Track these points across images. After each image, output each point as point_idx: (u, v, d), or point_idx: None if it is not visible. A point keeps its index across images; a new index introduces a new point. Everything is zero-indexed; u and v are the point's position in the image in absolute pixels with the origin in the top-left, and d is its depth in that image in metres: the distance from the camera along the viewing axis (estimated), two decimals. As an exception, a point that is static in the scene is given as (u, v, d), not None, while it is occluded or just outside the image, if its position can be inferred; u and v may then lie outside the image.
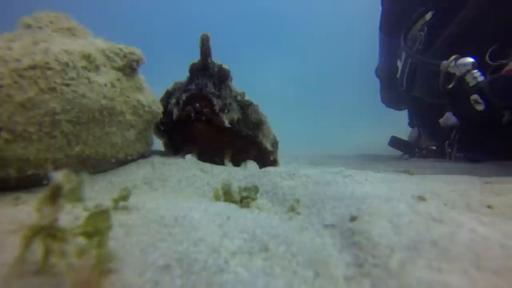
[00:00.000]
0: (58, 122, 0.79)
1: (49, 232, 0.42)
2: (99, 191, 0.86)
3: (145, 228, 0.58)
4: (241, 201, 0.78)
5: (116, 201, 0.68)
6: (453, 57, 1.60)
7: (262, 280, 0.45)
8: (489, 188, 1.00)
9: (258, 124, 1.20)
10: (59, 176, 0.43)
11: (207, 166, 1.07)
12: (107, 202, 0.69)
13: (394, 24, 2.60)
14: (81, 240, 0.44)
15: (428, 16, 2.30)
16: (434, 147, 2.84)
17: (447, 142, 2.29)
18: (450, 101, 1.75)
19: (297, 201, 0.78)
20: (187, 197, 0.83)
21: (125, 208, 0.67)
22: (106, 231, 0.44)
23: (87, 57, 0.86)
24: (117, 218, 0.62)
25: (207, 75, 1.10)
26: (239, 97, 1.19)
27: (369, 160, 2.72)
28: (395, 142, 3.08)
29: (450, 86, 1.59)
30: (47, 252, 0.43)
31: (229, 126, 1.11)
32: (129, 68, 0.96)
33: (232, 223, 0.61)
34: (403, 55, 2.54)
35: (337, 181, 0.92)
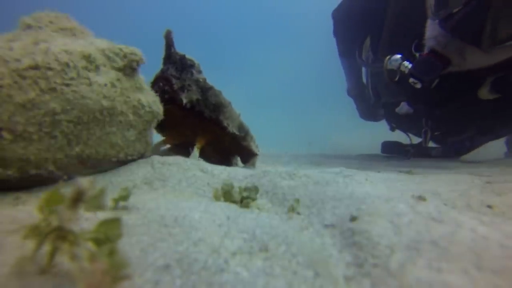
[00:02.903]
0: (58, 122, 0.79)
1: (60, 234, 0.42)
2: (99, 191, 0.86)
3: (145, 228, 0.58)
4: (241, 201, 0.78)
5: (116, 201, 0.68)
6: (387, 57, 2.05)
7: (262, 280, 0.45)
8: (490, 188, 1.00)
9: (218, 106, 1.32)
10: (84, 182, 0.43)
11: (207, 166, 1.07)
12: (107, 202, 0.69)
13: (349, 48, 3.13)
14: (90, 245, 0.44)
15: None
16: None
17: (423, 129, 2.64)
18: (403, 90, 2.23)
19: (297, 201, 0.78)
20: (187, 197, 0.83)
21: (125, 208, 0.67)
22: (116, 239, 0.44)
23: (87, 57, 0.86)
24: (117, 218, 0.62)
25: (171, 62, 1.30)
26: (200, 81, 1.32)
27: (369, 160, 2.72)
28: (386, 147, 3.10)
29: (396, 79, 2.05)
30: (54, 252, 0.43)
31: (188, 104, 1.26)
32: (129, 68, 0.96)
33: (232, 223, 0.61)
34: (366, 73, 3.18)
35: (337, 181, 0.92)
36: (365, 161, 2.60)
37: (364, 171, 1.36)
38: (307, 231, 0.64)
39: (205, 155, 1.37)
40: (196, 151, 1.30)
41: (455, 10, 1.67)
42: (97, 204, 0.47)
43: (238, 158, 1.50)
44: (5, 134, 0.73)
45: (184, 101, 1.25)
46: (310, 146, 4.63)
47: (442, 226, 0.58)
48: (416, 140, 3.00)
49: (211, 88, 1.33)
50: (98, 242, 0.44)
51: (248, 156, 1.47)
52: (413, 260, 0.50)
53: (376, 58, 2.78)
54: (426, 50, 1.87)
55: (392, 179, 1.16)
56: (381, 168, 1.94)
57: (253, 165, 1.49)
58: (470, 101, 2.19)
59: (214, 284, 0.43)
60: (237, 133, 1.36)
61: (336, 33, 3.24)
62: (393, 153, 3.01)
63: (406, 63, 1.94)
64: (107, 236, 0.44)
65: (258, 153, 1.47)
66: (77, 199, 0.43)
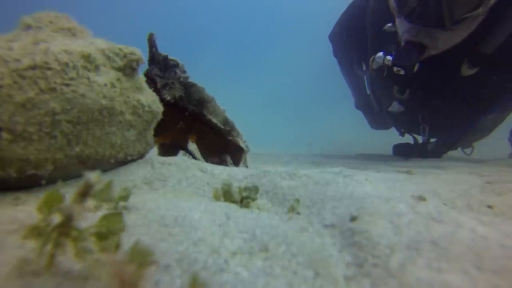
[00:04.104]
0: (58, 122, 0.79)
1: (63, 230, 0.42)
2: (99, 191, 0.86)
3: (145, 228, 0.58)
4: (241, 201, 0.78)
5: (116, 201, 0.68)
6: (371, 58, 2.37)
7: (262, 280, 0.45)
8: (490, 188, 1.00)
9: (202, 102, 1.37)
10: (93, 176, 0.44)
11: (207, 166, 1.07)
12: (114, 195, 0.68)
13: (349, 65, 3.44)
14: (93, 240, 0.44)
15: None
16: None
17: (421, 126, 2.87)
18: (392, 82, 2.49)
19: (297, 201, 0.78)
20: (187, 197, 0.83)
21: (125, 208, 0.67)
22: (119, 232, 0.45)
23: (87, 57, 0.86)
24: (117, 218, 0.62)
25: (155, 63, 1.36)
26: (183, 79, 1.37)
27: (369, 160, 2.72)
28: (397, 150, 3.15)
29: (385, 74, 2.33)
30: (55, 251, 0.43)
31: (171, 101, 1.32)
32: (129, 68, 0.96)
33: (232, 223, 0.61)
34: (368, 84, 3.45)
35: (337, 181, 0.92)
36: (364, 161, 2.60)
37: (364, 171, 1.36)
38: (307, 231, 0.64)
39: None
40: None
41: (414, 5, 2.02)
42: (105, 197, 0.47)
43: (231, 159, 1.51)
44: (5, 134, 0.73)
45: (167, 97, 1.30)
46: (310, 146, 4.63)
47: (442, 226, 0.58)
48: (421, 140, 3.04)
49: (194, 85, 1.38)
50: (100, 236, 0.44)
51: (237, 153, 1.49)
52: (413, 260, 0.50)
53: (368, 68, 3.10)
54: (402, 43, 2.21)
55: (392, 179, 1.16)
56: (380, 168, 1.94)
57: (245, 163, 1.50)
58: (456, 82, 2.43)
59: (214, 284, 0.43)
60: (221, 127, 1.40)
61: (335, 54, 3.59)
62: (404, 154, 3.03)
63: (388, 57, 2.26)
64: (110, 230, 0.44)
65: (246, 149, 1.49)
66: (85, 193, 0.43)
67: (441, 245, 0.52)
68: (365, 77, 3.43)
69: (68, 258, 0.44)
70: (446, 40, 2.11)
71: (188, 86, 1.37)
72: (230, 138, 1.44)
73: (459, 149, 3.15)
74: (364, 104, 3.61)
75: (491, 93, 2.50)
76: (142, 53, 1.00)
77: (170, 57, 1.38)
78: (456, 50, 2.15)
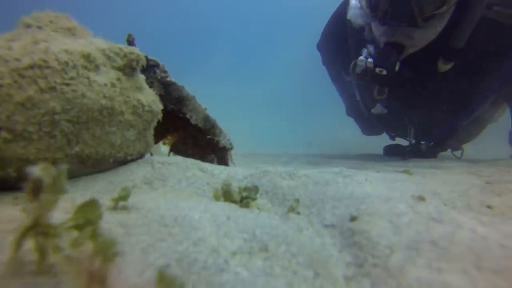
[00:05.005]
0: (58, 121, 0.79)
1: (39, 230, 0.42)
2: (99, 191, 0.86)
3: (145, 228, 0.58)
4: (241, 201, 0.78)
5: (116, 201, 0.68)
6: (352, 63, 2.46)
7: (262, 280, 0.45)
8: (490, 188, 1.00)
9: (181, 100, 1.37)
10: (36, 170, 0.41)
11: (207, 166, 1.07)
12: (107, 202, 0.69)
13: (337, 72, 3.49)
14: (75, 234, 0.43)
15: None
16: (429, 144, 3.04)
17: (408, 127, 2.95)
18: (375, 83, 2.55)
19: (297, 201, 0.78)
20: (187, 197, 0.83)
21: (125, 208, 0.67)
22: (97, 220, 0.44)
23: (87, 57, 0.86)
24: (117, 218, 0.62)
25: None
26: (163, 78, 1.37)
27: (368, 160, 2.72)
28: (388, 151, 3.21)
29: (367, 77, 2.41)
30: (42, 251, 0.43)
31: None
32: (129, 68, 0.96)
33: (232, 223, 0.61)
34: (356, 90, 3.50)
35: (337, 181, 0.92)
36: (363, 161, 2.61)
37: (363, 171, 1.36)
38: (307, 231, 0.64)
39: (182, 153, 1.39)
40: (161, 146, 1.33)
41: (386, 7, 2.14)
42: (57, 188, 0.44)
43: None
44: (5, 134, 0.73)
45: None
46: (310, 147, 4.64)
47: (442, 226, 0.58)
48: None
49: (173, 83, 1.38)
50: (79, 228, 0.43)
51: (221, 152, 1.49)
52: (413, 260, 0.50)
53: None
54: (381, 46, 2.34)
55: (392, 179, 1.16)
56: (379, 168, 1.94)
57: (230, 161, 1.50)
58: (436, 79, 2.53)
59: (214, 284, 0.43)
60: (201, 124, 1.40)
61: (324, 62, 3.68)
62: (394, 155, 3.05)
63: (369, 59, 2.37)
64: (87, 219, 0.44)
65: (229, 146, 1.48)
66: (35, 190, 0.41)
67: (441, 245, 0.52)
68: (353, 82, 3.47)
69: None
70: (421, 38, 2.25)
71: (167, 85, 1.36)
72: (210, 136, 1.43)
73: (449, 151, 3.17)
74: (354, 110, 3.65)
75: (471, 89, 2.58)
76: (142, 53, 0.99)
77: (149, 57, 1.37)
78: (432, 47, 2.31)
